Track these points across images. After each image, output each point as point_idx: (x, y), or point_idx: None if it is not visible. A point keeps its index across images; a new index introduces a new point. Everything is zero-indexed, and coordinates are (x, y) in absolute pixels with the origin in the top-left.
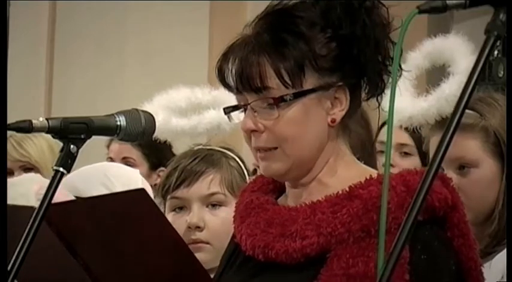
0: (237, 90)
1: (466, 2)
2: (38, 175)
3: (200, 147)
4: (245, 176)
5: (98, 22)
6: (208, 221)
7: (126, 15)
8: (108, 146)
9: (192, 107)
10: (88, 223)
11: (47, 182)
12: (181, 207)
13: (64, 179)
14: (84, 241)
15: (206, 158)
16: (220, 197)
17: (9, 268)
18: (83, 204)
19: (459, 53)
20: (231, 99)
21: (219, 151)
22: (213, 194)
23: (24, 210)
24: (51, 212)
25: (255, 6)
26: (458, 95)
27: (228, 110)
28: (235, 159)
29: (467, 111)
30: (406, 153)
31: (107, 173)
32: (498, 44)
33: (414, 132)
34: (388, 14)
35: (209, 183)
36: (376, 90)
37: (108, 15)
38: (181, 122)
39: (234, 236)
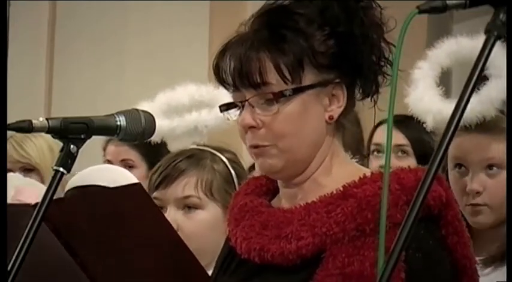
0: (235, 87)
1: (466, 2)
2: (17, 175)
3: (191, 147)
4: (232, 179)
5: (98, 22)
6: (182, 224)
7: (126, 15)
8: (104, 149)
9: (196, 104)
10: (84, 218)
11: (26, 183)
12: (161, 207)
13: (72, 180)
14: (80, 236)
15: (187, 159)
16: (194, 200)
17: (9, 268)
18: (78, 199)
19: (497, 55)
20: (230, 98)
21: (208, 152)
22: (186, 197)
23: (22, 209)
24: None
25: (255, 6)
26: (504, 99)
27: (223, 108)
28: (223, 162)
29: (500, 115)
30: (403, 153)
31: (111, 174)
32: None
33: (408, 132)
34: (381, 14)
35: (184, 186)
36: (371, 90)
37: (108, 15)
38: (162, 123)
39: (228, 240)
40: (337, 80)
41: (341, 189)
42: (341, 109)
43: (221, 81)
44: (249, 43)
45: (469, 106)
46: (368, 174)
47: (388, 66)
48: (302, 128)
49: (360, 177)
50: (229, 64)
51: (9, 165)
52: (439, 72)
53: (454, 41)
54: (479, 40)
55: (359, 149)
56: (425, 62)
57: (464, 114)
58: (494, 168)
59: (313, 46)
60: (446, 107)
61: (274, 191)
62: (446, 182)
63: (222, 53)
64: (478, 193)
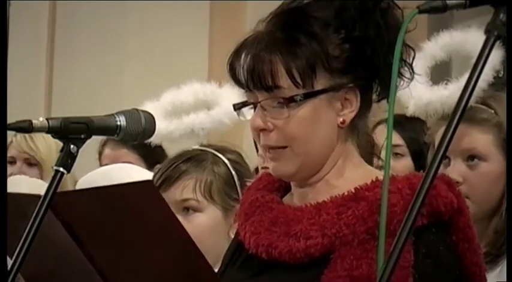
0: (248, 88)
1: (466, 2)
2: (24, 177)
3: (194, 147)
4: (234, 180)
5: (98, 22)
6: None
7: (126, 15)
8: (100, 153)
9: (200, 103)
10: (94, 213)
11: (37, 185)
12: None
13: (85, 177)
14: (90, 231)
15: (187, 161)
16: (192, 203)
17: (9, 267)
18: (89, 194)
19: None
20: (234, 98)
21: (210, 153)
22: (185, 200)
23: (28, 199)
24: (58, 201)
25: (255, 6)
26: (482, 87)
27: (237, 106)
28: (224, 163)
29: (481, 106)
30: (398, 154)
31: (129, 172)
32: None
33: (403, 132)
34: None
35: (182, 189)
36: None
37: (108, 15)
38: (161, 125)
39: (237, 234)
40: (350, 85)
41: (353, 191)
42: (353, 113)
43: (235, 80)
44: (263, 44)
45: (448, 92)
46: (380, 177)
47: (406, 68)
48: (313, 132)
49: (372, 180)
50: (243, 64)
51: (14, 153)
52: (431, 63)
53: (448, 35)
54: (475, 33)
55: (374, 151)
56: (420, 53)
57: (444, 100)
58: (476, 159)
59: (327, 50)
60: (427, 93)
61: (286, 188)
62: (458, 188)
63: (237, 52)
64: (458, 183)
